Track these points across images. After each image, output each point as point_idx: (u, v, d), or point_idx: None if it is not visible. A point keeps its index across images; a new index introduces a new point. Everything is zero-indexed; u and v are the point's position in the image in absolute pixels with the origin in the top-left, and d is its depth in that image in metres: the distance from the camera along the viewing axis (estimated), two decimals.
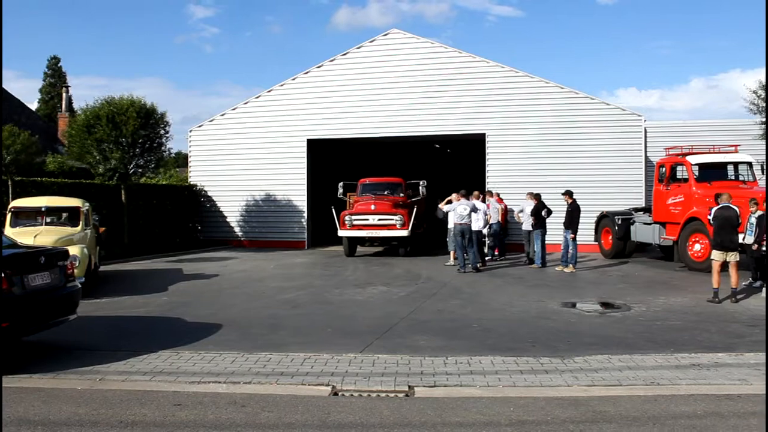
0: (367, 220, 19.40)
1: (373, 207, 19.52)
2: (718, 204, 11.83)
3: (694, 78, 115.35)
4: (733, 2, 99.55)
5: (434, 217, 24.14)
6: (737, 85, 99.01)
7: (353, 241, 20.22)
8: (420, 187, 21.12)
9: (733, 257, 11.32)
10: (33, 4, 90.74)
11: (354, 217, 19.48)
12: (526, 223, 17.63)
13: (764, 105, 20.09)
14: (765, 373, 6.61)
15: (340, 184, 21.54)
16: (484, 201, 18.12)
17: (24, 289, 7.03)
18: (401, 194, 20.98)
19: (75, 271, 9.07)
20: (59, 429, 5.20)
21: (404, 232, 19.14)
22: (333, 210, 20.08)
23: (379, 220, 19.34)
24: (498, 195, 19.46)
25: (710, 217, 11.81)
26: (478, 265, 16.19)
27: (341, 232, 19.68)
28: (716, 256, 11.44)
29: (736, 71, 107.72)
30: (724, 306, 10.96)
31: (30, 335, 7.66)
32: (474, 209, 16.44)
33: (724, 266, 11.45)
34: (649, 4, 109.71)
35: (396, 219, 19.22)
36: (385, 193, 20.87)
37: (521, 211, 18.18)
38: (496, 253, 18.80)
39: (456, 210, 16.24)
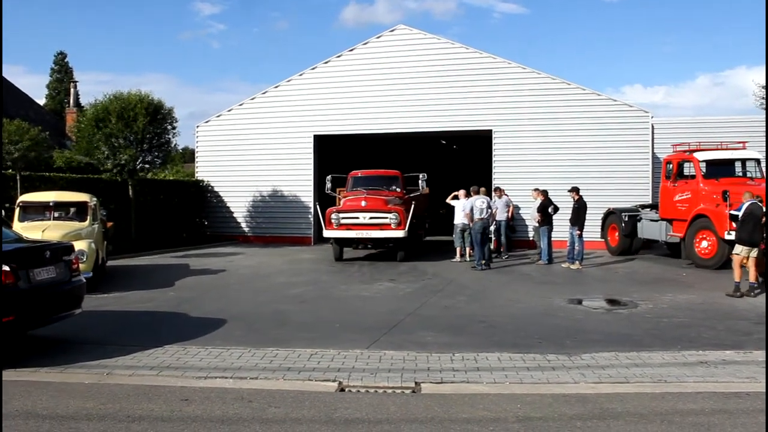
0: (357, 218, 16.99)
1: (363, 203, 17.19)
2: (744, 200, 11.73)
3: (700, 75, 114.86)
4: None
5: (438, 216, 24.04)
6: (743, 82, 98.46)
7: (342, 243, 17.75)
8: (420, 181, 19.05)
9: (755, 253, 11.32)
10: (40, 0, 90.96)
11: (342, 215, 17.07)
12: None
13: None
14: (766, 371, 6.58)
15: (328, 177, 19.58)
16: (490, 197, 18.08)
17: (29, 283, 7.05)
18: (398, 189, 18.91)
19: (81, 265, 9.10)
20: (67, 423, 5.22)
21: (400, 233, 16.75)
22: (318, 207, 18.02)
23: (371, 218, 16.94)
24: (503, 191, 19.40)
25: (740, 213, 11.68)
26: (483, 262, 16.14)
27: (327, 233, 17.38)
28: (742, 251, 11.41)
29: (742, 68, 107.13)
30: (732, 303, 10.92)
31: (35, 329, 7.68)
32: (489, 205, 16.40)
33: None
34: (654, 0, 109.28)
35: (390, 217, 16.83)
36: (380, 187, 18.76)
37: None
38: (502, 250, 18.67)
39: (475, 205, 16.04)
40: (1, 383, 5.96)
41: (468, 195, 17.80)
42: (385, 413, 5.48)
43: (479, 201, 16.11)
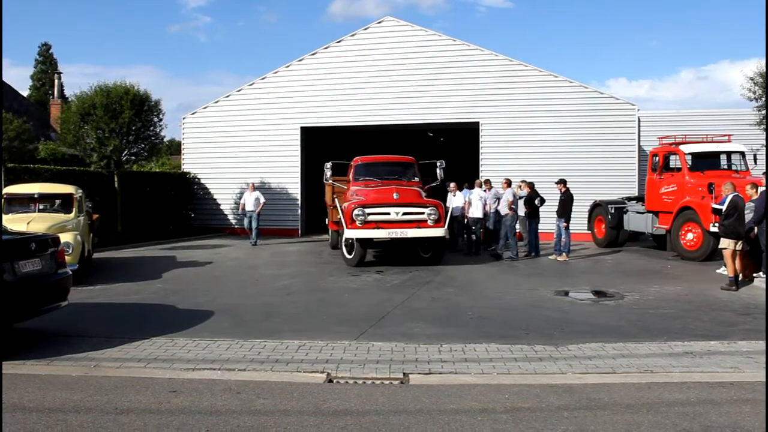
0: (388, 214, 14.18)
1: (396, 196, 14.53)
2: (727, 192, 11.75)
3: (683, 69, 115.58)
4: None
5: None
6: (727, 76, 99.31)
7: (367, 246, 14.76)
8: (437, 169, 16.87)
9: (739, 245, 11.39)
10: None
11: (369, 211, 14.14)
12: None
13: (761, 92, 20.14)
14: (765, 360, 6.65)
15: (328, 165, 17.09)
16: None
17: (15, 276, 7.00)
18: (415, 178, 16.37)
19: (66, 258, 9.03)
20: (54, 415, 5.19)
21: (440, 231, 14.17)
22: (337, 202, 15.43)
23: (404, 214, 14.22)
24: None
25: (723, 206, 11.68)
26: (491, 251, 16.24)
27: (351, 233, 14.18)
28: (730, 244, 11.45)
29: (725, 62, 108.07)
30: (717, 294, 11.01)
31: (21, 322, 7.61)
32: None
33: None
34: None
35: (428, 213, 14.24)
36: (395, 177, 16.18)
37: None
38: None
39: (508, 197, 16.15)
40: (1, 376, 5.94)
41: (459, 188, 17.97)
42: (373, 404, 5.49)
43: (512, 193, 16.24)
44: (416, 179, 16.34)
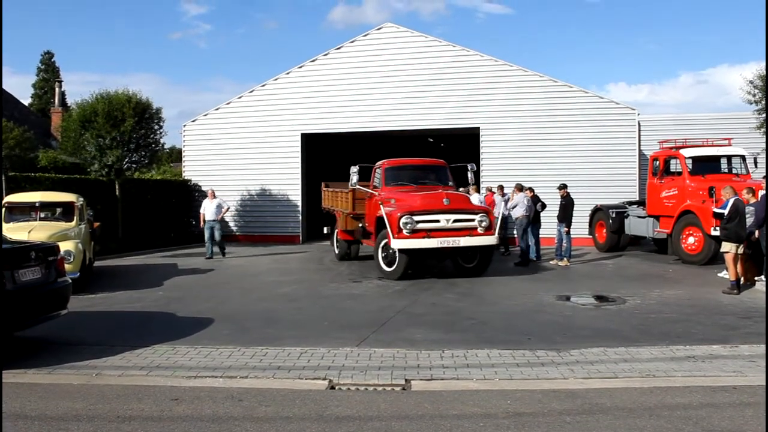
0: (438, 222, 13.14)
1: (446, 201, 13.41)
2: (727, 196, 11.75)
3: (683, 73, 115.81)
4: None
5: None
6: (725, 80, 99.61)
7: (415, 256, 13.52)
8: (468, 173, 15.85)
9: (741, 249, 11.39)
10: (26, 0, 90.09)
11: (418, 218, 13.00)
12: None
13: (761, 95, 20.15)
14: (766, 363, 6.64)
15: (354, 169, 14.97)
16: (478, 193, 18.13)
17: (15, 284, 7.00)
18: (450, 183, 15.23)
19: (67, 266, 9.04)
20: (56, 424, 5.18)
21: (492, 239, 13.47)
22: (382, 208, 13.55)
23: (455, 222, 13.25)
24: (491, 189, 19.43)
25: (725, 210, 11.66)
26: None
27: (399, 243, 12.96)
28: (732, 248, 11.44)
29: (723, 66, 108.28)
30: (718, 298, 11.00)
31: (21, 330, 7.61)
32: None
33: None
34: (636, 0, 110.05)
35: (478, 219, 13.32)
36: (429, 182, 15.12)
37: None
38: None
39: (523, 202, 16.18)
40: (1, 384, 5.93)
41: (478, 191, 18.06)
42: (375, 410, 5.49)
43: (526, 198, 16.30)
44: (450, 183, 15.24)
